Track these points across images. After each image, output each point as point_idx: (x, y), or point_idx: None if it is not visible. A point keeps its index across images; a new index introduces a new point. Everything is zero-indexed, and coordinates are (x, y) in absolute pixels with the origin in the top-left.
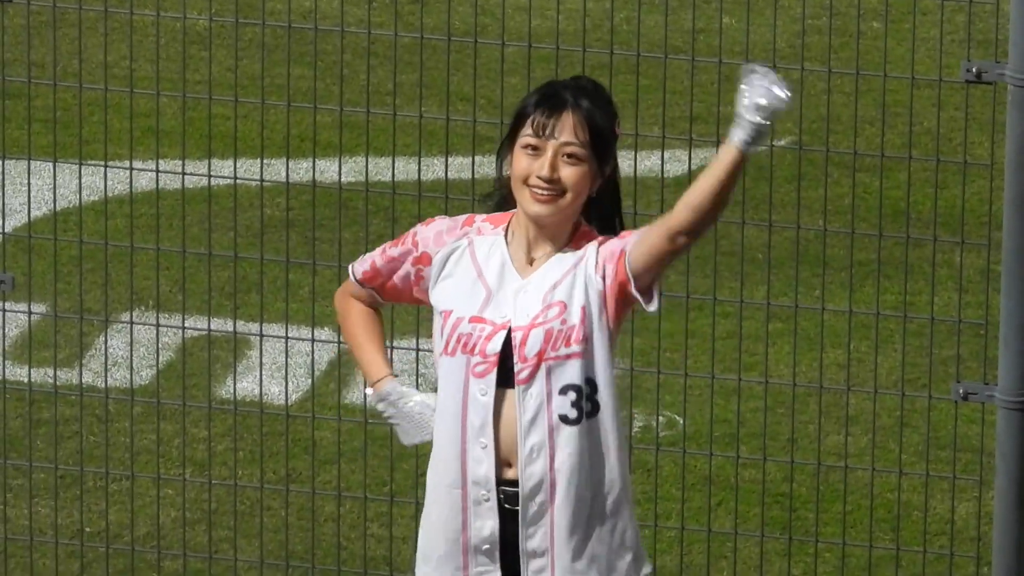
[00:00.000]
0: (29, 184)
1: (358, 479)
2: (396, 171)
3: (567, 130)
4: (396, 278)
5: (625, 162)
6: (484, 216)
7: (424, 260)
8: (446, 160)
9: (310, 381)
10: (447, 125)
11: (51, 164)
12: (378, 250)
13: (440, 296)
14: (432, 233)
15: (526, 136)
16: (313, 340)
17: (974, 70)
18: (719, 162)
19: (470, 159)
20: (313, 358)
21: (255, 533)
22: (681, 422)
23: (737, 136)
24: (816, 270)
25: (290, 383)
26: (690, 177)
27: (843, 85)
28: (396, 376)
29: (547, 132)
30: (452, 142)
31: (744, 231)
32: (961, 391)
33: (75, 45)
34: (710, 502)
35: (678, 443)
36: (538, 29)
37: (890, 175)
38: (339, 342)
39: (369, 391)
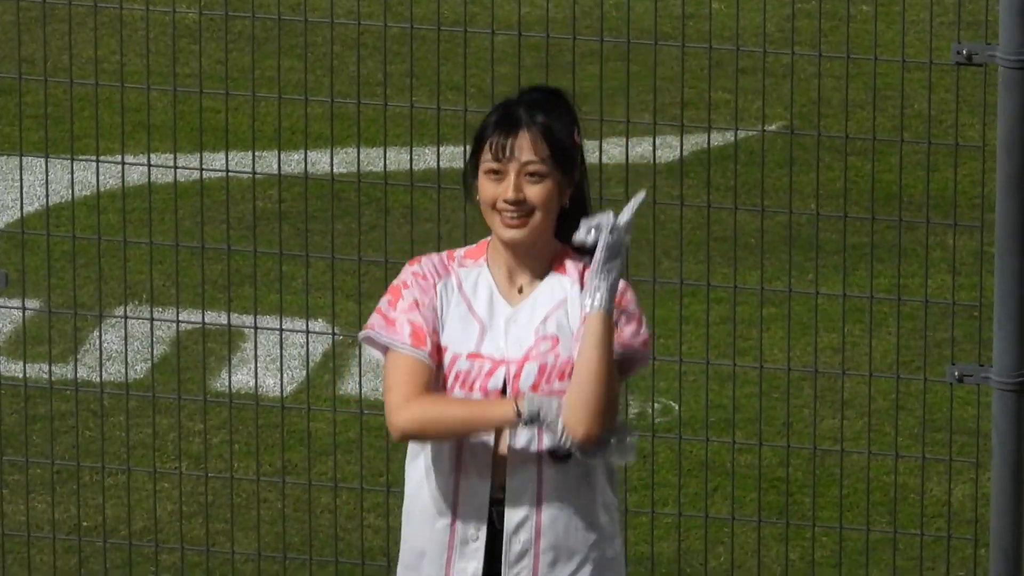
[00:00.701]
0: (21, 180)
1: (354, 470)
2: (388, 161)
3: (526, 149)
4: (433, 319)
5: (616, 149)
6: (463, 251)
7: (434, 291)
8: (437, 150)
9: (305, 373)
10: (438, 115)
11: (43, 160)
12: (390, 317)
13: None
14: (429, 267)
15: (487, 161)
16: (308, 332)
17: (964, 52)
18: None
19: (461, 148)
20: (308, 350)
21: (252, 525)
22: (676, 408)
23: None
24: (809, 254)
25: (285, 375)
26: (682, 164)
27: (833, 69)
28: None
29: (506, 154)
30: (443, 132)
31: (736, 216)
32: (956, 373)
33: (65, 40)
34: (707, 488)
35: (674, 429)
36: (527, 17)
37: (882, 158)
38: (333, 333)
39: (521, 406)
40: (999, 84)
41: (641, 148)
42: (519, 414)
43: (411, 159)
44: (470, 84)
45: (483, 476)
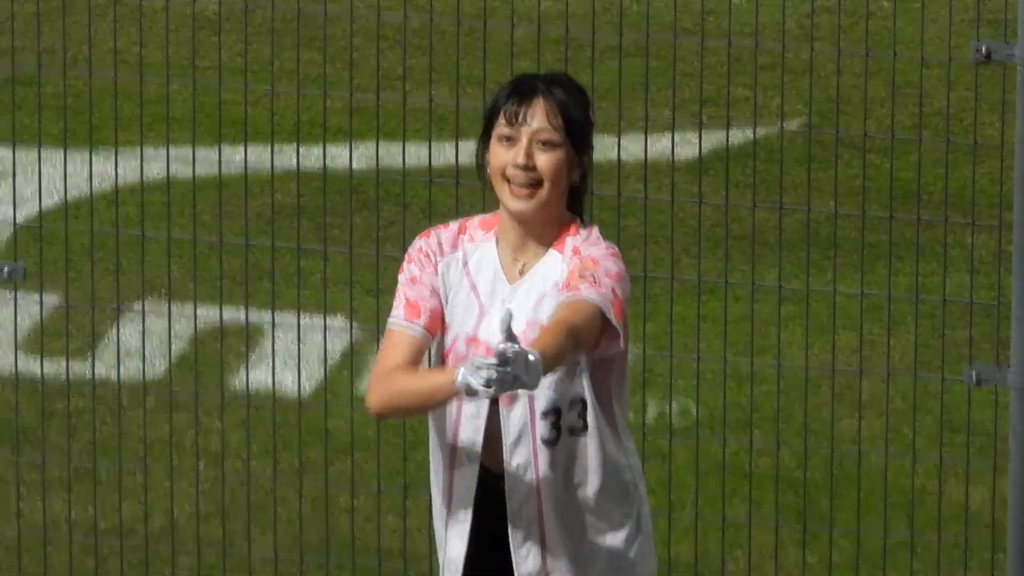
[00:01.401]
0: (40, 172)
1: (372, 469)
2: (407, 156)
3: (539, 116)
4: (430, 295)
5: (635, 145)
6: (477, 221)
7: (434, 269)
8: (456, 145)
9: (323, 371)
10: (457, 109)
11: (62, 152)
12: (398, 292)
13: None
14: (435, 245)
15: (500, 127)
16: (325, 328)
17: (984, 50)
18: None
19: None
20: (326, 347)
21: (269, 525)
22: (695, 409)
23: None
24: (827, 252)
25: (303, 372)
26: (700, 161)
27: (853, 66)
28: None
29: (519, 119)
30: (463, 126)
31: (755, 214)
32: (974, 374)
33: (85, 32)
34: (724, 490)
35: (692, 430)
36: (547, 11)
37: (900, 156)
38: (351, 329)
39: (458, 377)
40: (1018, 83)
41: (660, 144)
42: (454, 381)
43: (430, 154)
44: (490, 79)
45: (472, 463)
